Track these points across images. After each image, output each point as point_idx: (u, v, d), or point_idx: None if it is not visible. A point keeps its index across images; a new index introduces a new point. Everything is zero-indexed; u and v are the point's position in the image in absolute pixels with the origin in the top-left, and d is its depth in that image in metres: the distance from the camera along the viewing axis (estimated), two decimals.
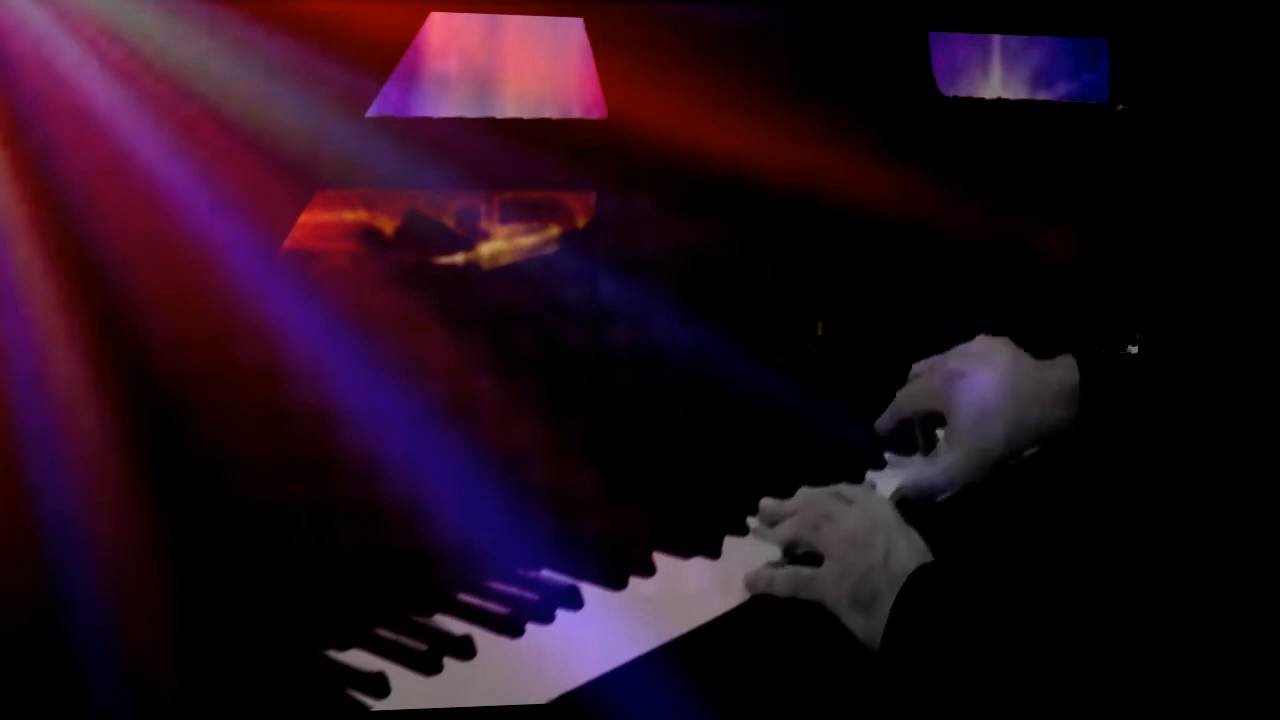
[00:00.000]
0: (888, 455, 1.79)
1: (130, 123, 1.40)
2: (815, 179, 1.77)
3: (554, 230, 1.71)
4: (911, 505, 1.59)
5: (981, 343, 1.69)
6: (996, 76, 2.09)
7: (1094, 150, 2.08)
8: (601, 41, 1.72)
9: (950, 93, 2.05)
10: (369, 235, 1.60)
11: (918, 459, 1.74)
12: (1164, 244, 1.63)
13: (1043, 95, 2.10)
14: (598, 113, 1.73)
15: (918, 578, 1.37)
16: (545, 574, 1.53)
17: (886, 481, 1.69)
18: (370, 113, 1.56)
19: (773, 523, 1.54)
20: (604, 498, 1.60)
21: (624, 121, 1.70)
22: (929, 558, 1.41)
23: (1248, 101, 1.51)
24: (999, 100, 2.08)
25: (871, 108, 1.92)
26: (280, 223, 1.51)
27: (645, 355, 1.70)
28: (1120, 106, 2.06)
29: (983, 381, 1.63)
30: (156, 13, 1.42)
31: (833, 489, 1.54)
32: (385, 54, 1.57)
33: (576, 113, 1.74)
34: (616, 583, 1.51)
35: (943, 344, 1.80)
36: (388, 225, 1.62)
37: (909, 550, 1.41)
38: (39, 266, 1.35)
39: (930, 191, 1.90)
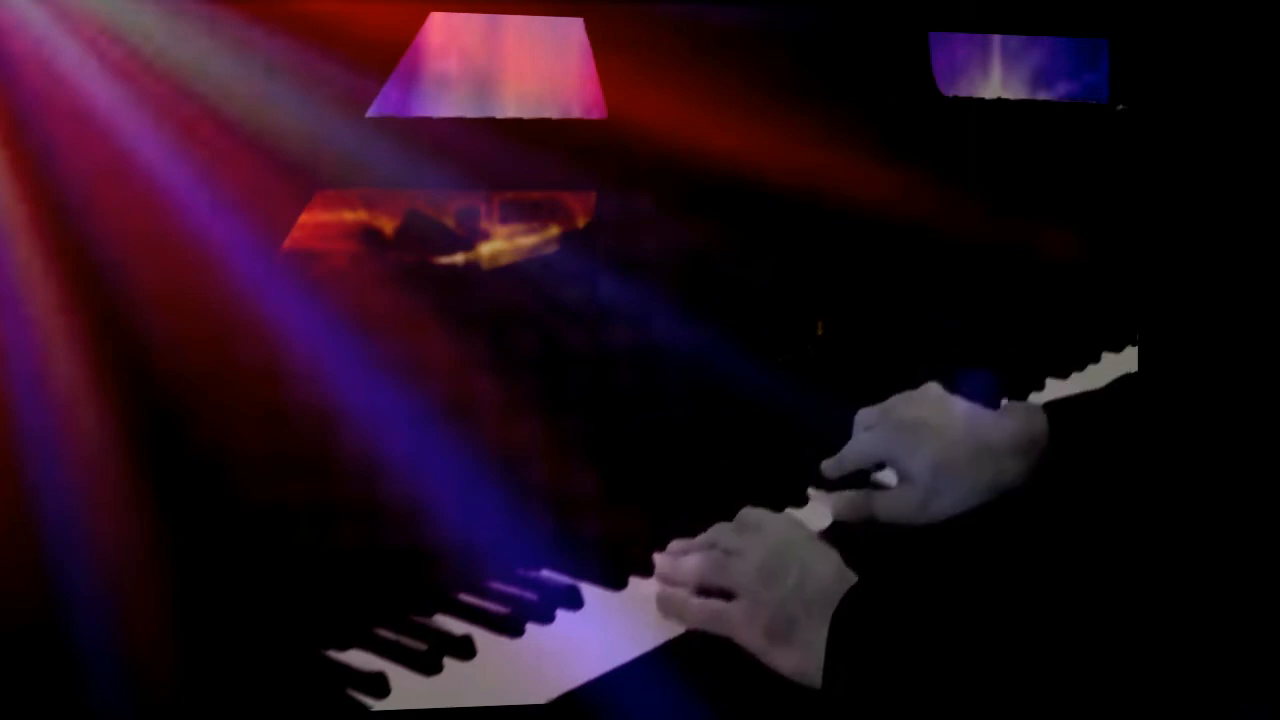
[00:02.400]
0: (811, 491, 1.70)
1: (130, 123, 1.40)
2: (815, 179, 1.77)
3: (554, 230, 1.71)
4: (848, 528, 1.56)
5: (932, 392, 1.63)
6: (996, 76, 2.09)
7: (1094, 150, 2.08)
8: (601, 41, 1.72)
9: (950, 93, 2.05)
10: (369, 235, 1.60)
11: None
12: (1164, 244, 1.63)
13: (1043, 95, 2.10)
14: (598, 113, 1.73)
15: (851, 600, 1.30)
16: (545, 574, 1.53)
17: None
18: (370, 113, 1.56)
19: (674, 572, 1.45)
20: (604, 498, 1.60)
21: (624, 121, 1.70)
22: (851, 576, 1.35)
23: (1248, 101, 1.51)
24: (999, 100, 2.08)
25: (871, 108, 1.92)
26: (280, 223, 1.51)
27: (645, 355, 1.70)
28: (1120, 106, 2.06)
29: (936, 432, 1.56)
30: (156, 13, 1.42)
31: (736, 520, 1.47)
32: (385, 54, 1.57)
33: (576, 113, 1.74)
34: (616, 583, 1.51)
35: (943, 344, 1.80)
36: (388, 225, 1.62)
37: (825, 572, 1.35)
38: (39, 266, 1.36)
39: (930, 191, 1.90)
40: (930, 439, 1.56)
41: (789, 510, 1.65)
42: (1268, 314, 1.42)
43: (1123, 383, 1.64)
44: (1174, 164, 1.61)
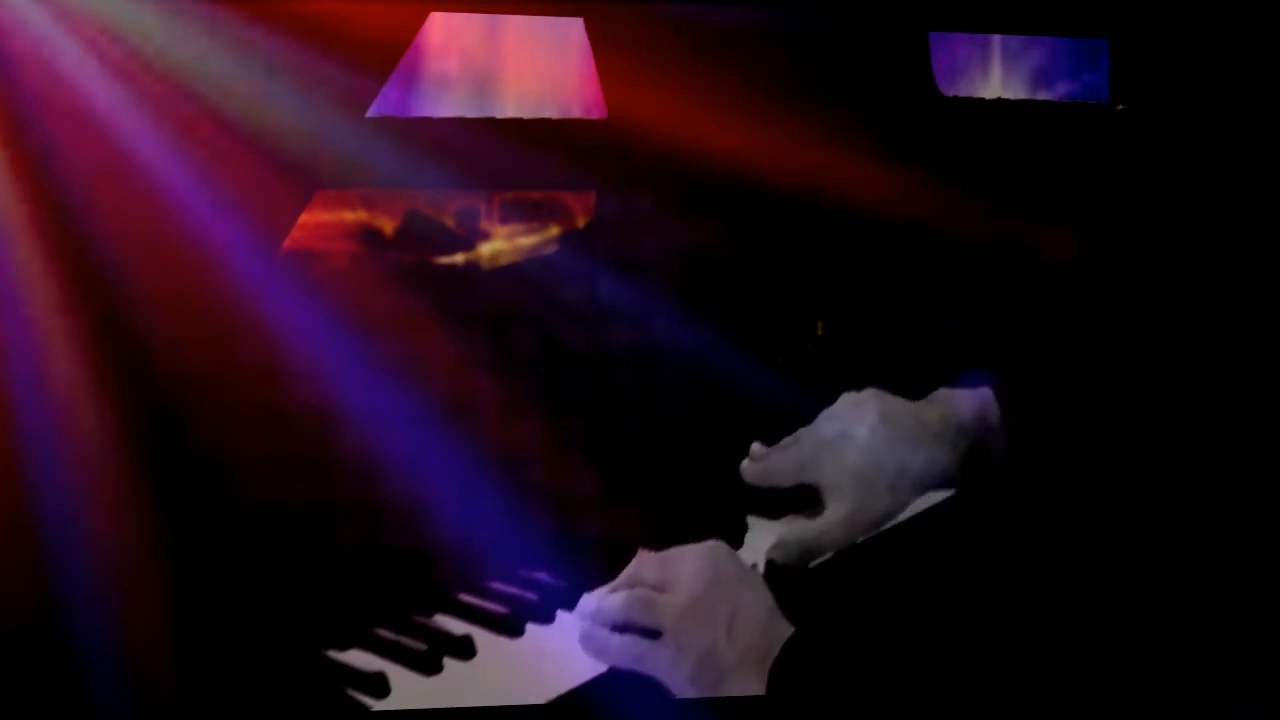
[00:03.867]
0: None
1: (130, 123, 1.40)
2: (815, 179, 1.77)
3: (554, 230, 1.71)
4: (784, 567, 1.51)
5: (847, 400, 1.61)
6: (996, 76, 2.09)
7: (1094, 150, 2.08)
8: (601, 41, 1.72)
9: (950, 93, 2.05)
10: (369, 235, 1.61)
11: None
12: (1164, 245, 1.63)
13: (1043, 95, 2.10)
14: (598, 113, 1.73)
15: (788, 656, 1.26)
16: (545, 574, 1.53)
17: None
18: (370, 113, 1.56)
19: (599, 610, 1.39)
20: (604, 498, 1.60)
21: (624, 121, 1.70)
22: (781, 620, 1.32)
23: (1248, 101, 1.51)
24: (999, 100, 2.08)
25: (871, 108, 1.92)
26: (280, 223, 1.51)
27: (645, 355, 1.70)
28: (1120, 106, 2.06)
29: (857, 440, 1.54)
30: (156, 13, 1.42)
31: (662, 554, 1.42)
32: (385, 54, 1.57)
33: (576, 113, 1.74)
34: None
35: (943, 344, 1.79)
36: (388, 225, 1.62)
37: (756, 615, 1.32)
38: (39, 266, 1.36)
39: (930, 191, 1.90)
40: (849, 446, 1.54)
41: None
42: (1266, 311, 1.42)
43: (1072, 366, 1.64)
44: (1174, 164, 1.61)
